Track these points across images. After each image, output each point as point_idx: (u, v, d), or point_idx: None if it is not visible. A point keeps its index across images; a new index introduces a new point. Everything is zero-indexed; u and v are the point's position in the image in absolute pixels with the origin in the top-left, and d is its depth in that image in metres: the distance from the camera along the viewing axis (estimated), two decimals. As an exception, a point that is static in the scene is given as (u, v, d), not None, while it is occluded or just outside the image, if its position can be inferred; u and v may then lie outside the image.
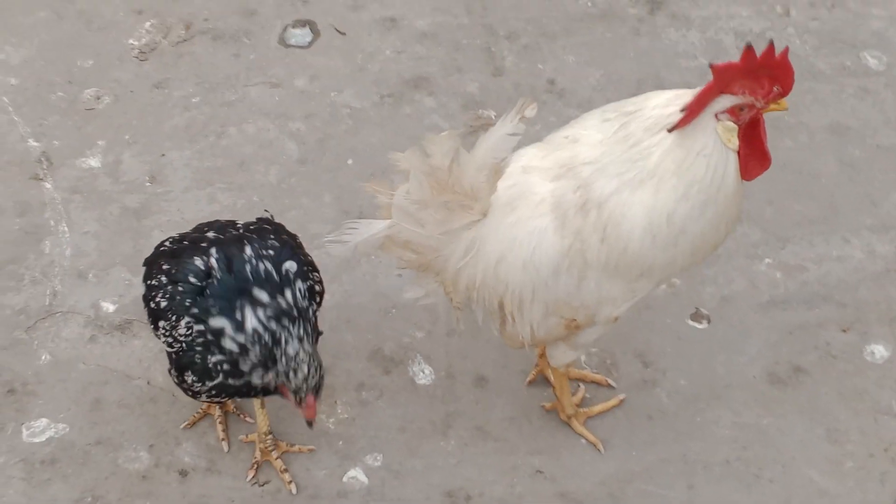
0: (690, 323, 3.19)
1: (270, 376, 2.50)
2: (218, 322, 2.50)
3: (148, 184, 3.49)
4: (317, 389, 2.49)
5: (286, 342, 2.46)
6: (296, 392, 2.49)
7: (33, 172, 3.50)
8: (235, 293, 2.51)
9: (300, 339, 2.48)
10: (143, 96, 3.75)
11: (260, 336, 2.47)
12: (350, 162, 3.59)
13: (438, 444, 2.93)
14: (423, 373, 3.07)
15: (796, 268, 3.31)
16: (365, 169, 3.49)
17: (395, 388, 3.03)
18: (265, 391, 2.60)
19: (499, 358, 3.09)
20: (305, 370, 2.46)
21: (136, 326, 3.12)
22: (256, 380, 2.51)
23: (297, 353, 2.46)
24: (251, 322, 2.48)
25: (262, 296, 2.50)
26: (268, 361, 2.47)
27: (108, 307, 3.18)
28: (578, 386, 3.03)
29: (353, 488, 2.85)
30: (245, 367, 2.51)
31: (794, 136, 3.66)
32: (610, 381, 3.06)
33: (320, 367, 2.50)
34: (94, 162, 3.54)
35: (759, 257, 3.34)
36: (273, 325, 2.47)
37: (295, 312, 2.51)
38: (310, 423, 2.57)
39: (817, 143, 3.65)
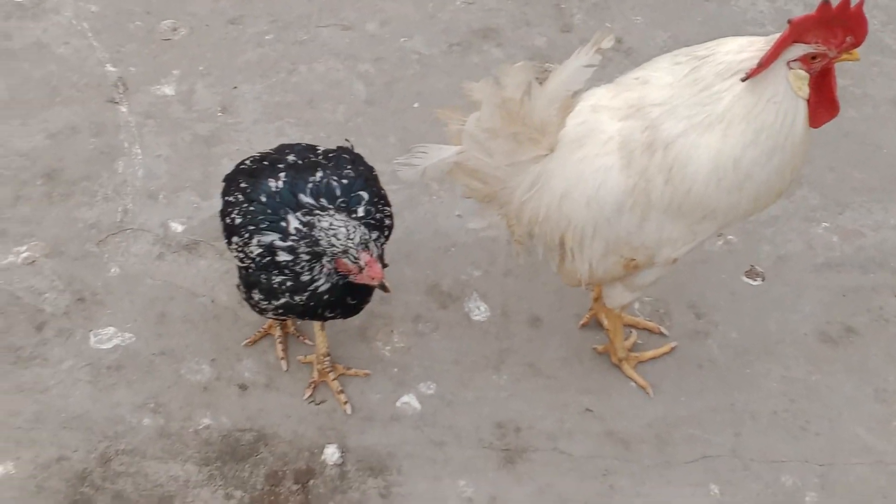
0: (745, 279, 3.21)
1: (325, 262, 2.53)
2: (268, 237, 2.57)
3: (219, 114, 3.58)
4: (366, 245, 2.49)
5: (319, 221, 2.52)
6: (347, 254, 2.49)
7: (109, 96, 3.61)
8: (283, 205, 2.58)
9: (331, 216, 2.53)
10: (218, 30, 3.83)
11: (300, 230, 2.54)
12: (416, 105, 3.65)
13: (491, 378, 2.98)
14: (479, 309, 3.12)
15: (853, 233, 3.33)
16: (430, 113, 3.49)
17: (451, 322, 3.09)
18: (330, 303, 2.59)
19: (554, 300, 3.13)
20: (344, 231, 2.50)
21: (203, 247, 3.21)
22: (322, 283, 2.56)
23: (330, 224, 2.51)
24: (293, 224, 2.55)
25: (307, 200, 2.58)
26: (314, 247, 2.53)
27: (177, 227, 3.26)
28: (631, 332, 3.07)
29: (406, 413, 2.91)
30: (305, 274, 2.55)
31: (859, 106, 3.68)
32: (662, 329, 3.09)
33: (360, 226, 2.51)
34: (168, 90, 3.64)
35: (816, 220, 3.36)
36: (308, 217, 2.55)
37: (333, 211, 2.56)
38: (383, 287, 2.54)
39: (881, 115, 3.66)
